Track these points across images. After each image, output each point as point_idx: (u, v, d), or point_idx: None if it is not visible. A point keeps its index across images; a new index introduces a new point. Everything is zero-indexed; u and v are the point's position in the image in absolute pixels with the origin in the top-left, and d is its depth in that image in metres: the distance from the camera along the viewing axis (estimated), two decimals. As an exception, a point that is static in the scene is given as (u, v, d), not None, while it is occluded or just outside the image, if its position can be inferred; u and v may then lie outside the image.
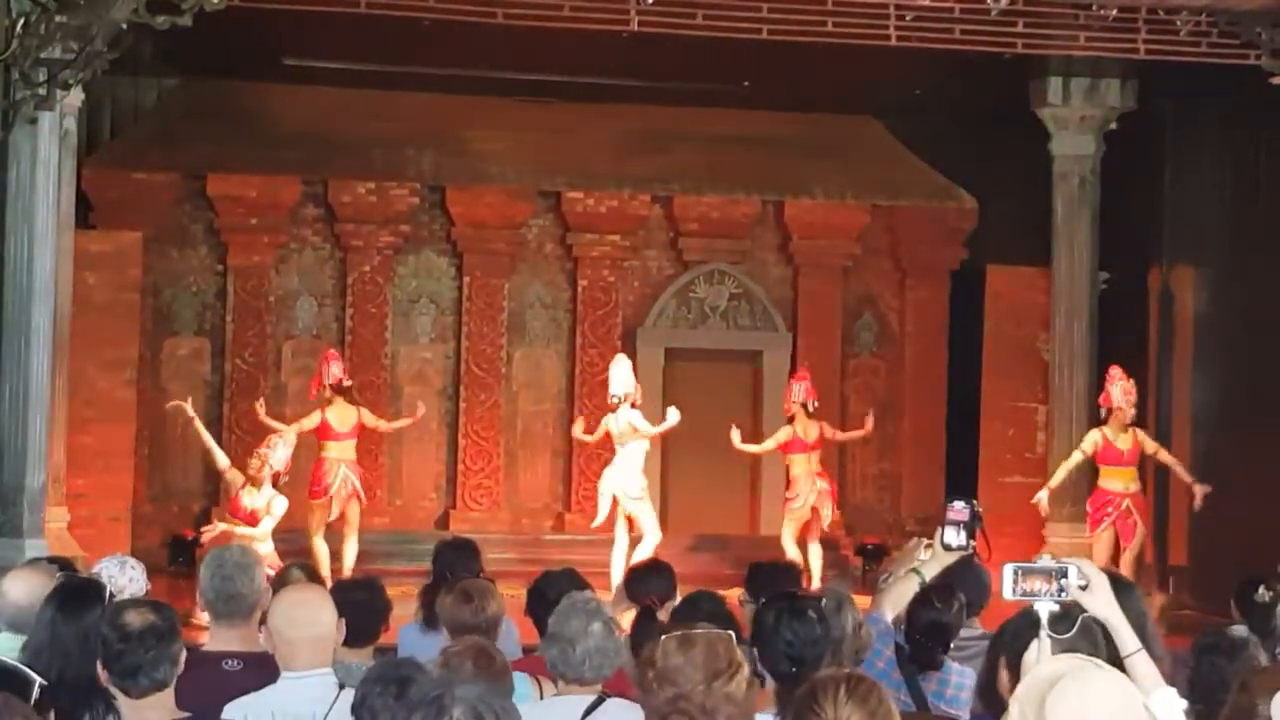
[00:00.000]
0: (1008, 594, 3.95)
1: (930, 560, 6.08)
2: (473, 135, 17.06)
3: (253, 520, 12.30)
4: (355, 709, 4.25)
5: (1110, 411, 13.87)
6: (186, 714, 4.42)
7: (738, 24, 12.87)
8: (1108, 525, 13.76)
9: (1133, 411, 13.84)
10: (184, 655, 4.52)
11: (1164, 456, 14.02)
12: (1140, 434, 13.87)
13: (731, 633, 3.87)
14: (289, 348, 16.81)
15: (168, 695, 4.44)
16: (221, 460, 12.77)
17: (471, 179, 16.92)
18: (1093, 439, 13.91)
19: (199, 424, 12.86)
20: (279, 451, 12.55)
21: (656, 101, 16.92)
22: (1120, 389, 13.82)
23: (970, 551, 6.03)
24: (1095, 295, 16.00)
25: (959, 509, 5.84)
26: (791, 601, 5.17)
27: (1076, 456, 14.03)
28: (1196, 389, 15.57)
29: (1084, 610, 4.01)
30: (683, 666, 3.68)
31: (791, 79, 15.48)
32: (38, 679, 4.09)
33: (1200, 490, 13.71)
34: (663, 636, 3.80)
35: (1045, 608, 3.94)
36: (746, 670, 3.74)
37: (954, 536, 5.83)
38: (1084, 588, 3.99)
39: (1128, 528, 13.77)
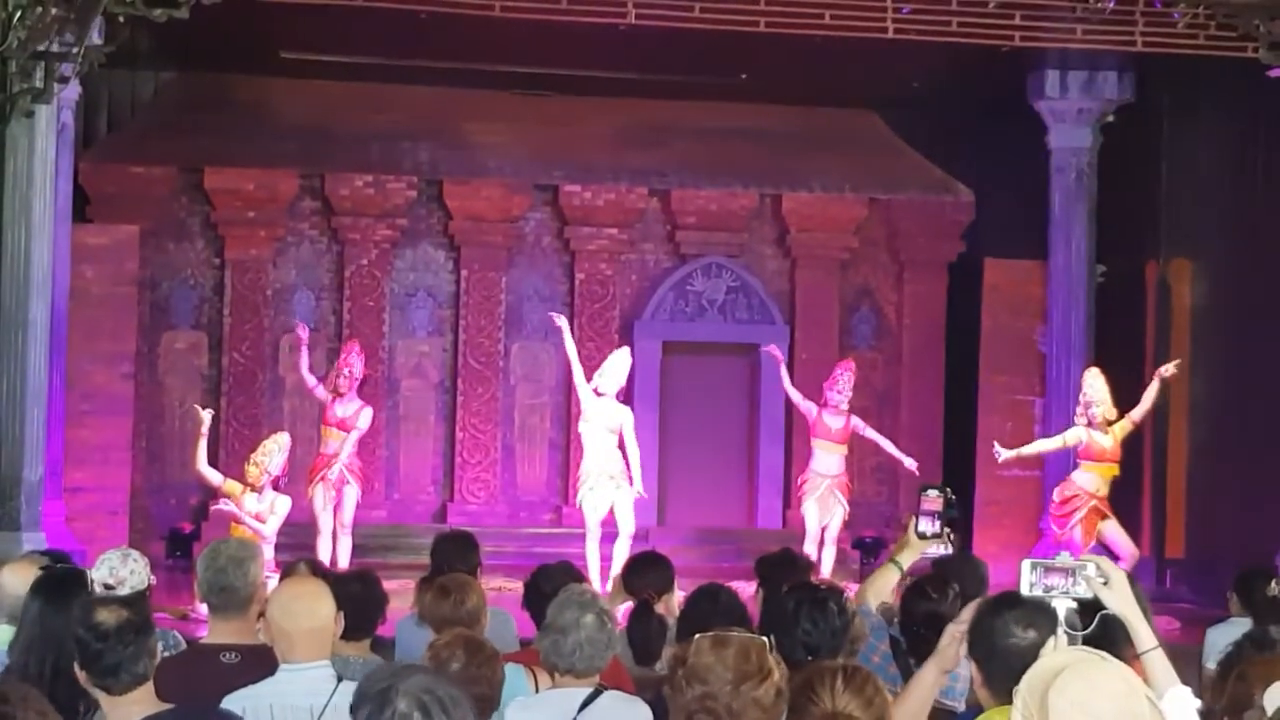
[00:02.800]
0: (1025, 590, 3.97)
1: (905, 550, 6.15)
2: (470, 128, 17.05)
3: (259, 520, 12.33)
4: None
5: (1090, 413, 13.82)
6: (169, 705, 4.42)
7: (735, 17, 12.89)
8: (1076, 524, 13.69)
9: (1095, 411, 13.67)
10: (160, 648, 4.53)
11: (1137, 413, 13.81)
12: (1117, 428, 13.78)
13: (766, 639, 3.87)
14: (286, 341, 16.79)
15: (148, 689, 4.45)
16: (214, 478, 12.72)
17: (469, 172, 16.91)
18: (1076, 434, 13.82)
19: (203, 443, 12.77)
20: (275, 458, 12.57)
21: (654, 95, 16.92)
22: (1086, 391, 13.74)
23: (943, 539, 6.11)
24: (1092, 288, 16.01)
25: (932, 498, 5.97)
26: (814, 591, 5.19)
27: (1055, 441, 13.93)
28: (1193, 381, 15.57)
29: (1104, 608, 4.02)
30: (713, 666, 3.69)
31: (789, 72, 15.48)
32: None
33: (1170, 366, 13.64)
34: (697, 635, 3.80)
35: (1063, 604, 3.95)
36: (777, 677, 3.74)
37: (927, 525, 5.94)
38: (1104, 584, 4.00)
39: (1089, 527, 13.68)
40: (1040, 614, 4.16)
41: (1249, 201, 14.77)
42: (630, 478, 13.95)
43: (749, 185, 17.29)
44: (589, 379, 13.87)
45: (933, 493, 6.01)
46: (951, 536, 6.18)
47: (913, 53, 13.83)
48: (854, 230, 17.47)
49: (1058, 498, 13.96)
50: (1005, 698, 4.09)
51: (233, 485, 12.54)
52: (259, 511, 12.35)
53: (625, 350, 14.43)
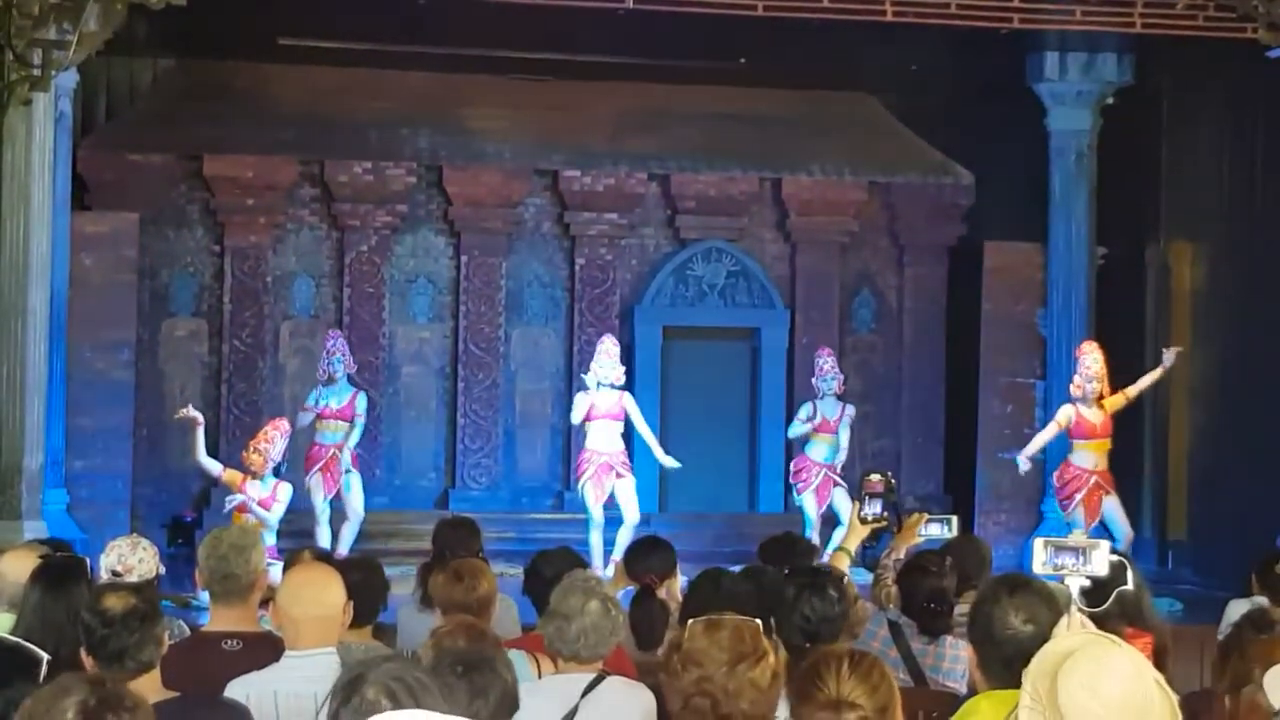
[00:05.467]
0: (1038, 568, 3.97)
1: (852, 534, 6.20)
2: (469, 114, 17.03)
3: (264, 507, 12.34)
4: None
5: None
6: (175, 694, 4.41)
7: (734, 0, 12.86)
8: (1079, 503, 13.72)
9: (1091, 386, 13.72)
10: (168, 636, 4.51)
11: (1134, 390, 13.88)
12: (1108, 403, 13.81)
13: (759, 621, 3.87)
14: (287, 328, 16.79)
15: (154, 677, 4.43)
16: (214, 469, 12.73)
17: (468, 158, 16.88)
18: (1066, 413, 13.87)
19: (200, 435, 12.74)
20: (278, 445, 12.60)
21: (653, 79, 16.89)
22: (1081, 364, 13.79)
23: (884, 522, 6.19)
24: (1093, 271, 16.00)
25: (875, 482, 6.06)
26: (814, 576, 5.19)
27: (1050, 429, 14.00)
28: (1194, 363, 15.55)
29: (1120, 585, 4.02)
30: (708, 649, 3.70)
31: (788, 56, 15.45)
32: (44, 655, 4.08)
33: (1172, 351, 13.76)
34: (690, 620, 3.81)
35: (1075, 582, 3.95)
36: (772, 659, 3.75)
37: (870, 508, 6.01)
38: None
39: (1093, 505, 13.72)
40: (1041, 605, 4.17)
41: (1249, 183, 14.75)
42: (629, 466, 14.08)
43: (748, 169, 17.27)
44: (586, 367, 14.02)
45: (875, 477, 6.09)
46: (893, 520, 6.24)
47: (911, 35, 13.81)
48: (854, 214, 17.45)
49: (1057, 482, 13.99)
50: (999, 682, 4.11)
51: (233, 474, 12.54)
52: (263, 498, 12.37)
53: (607, 337, 14.49)
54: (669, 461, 14.30)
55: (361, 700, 2.98)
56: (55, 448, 13.43)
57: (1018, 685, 4.03)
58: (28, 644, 3.92)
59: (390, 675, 3.00)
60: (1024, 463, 14.01)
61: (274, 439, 12.61)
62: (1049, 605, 4.23)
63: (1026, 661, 4.10)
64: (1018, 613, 4.14)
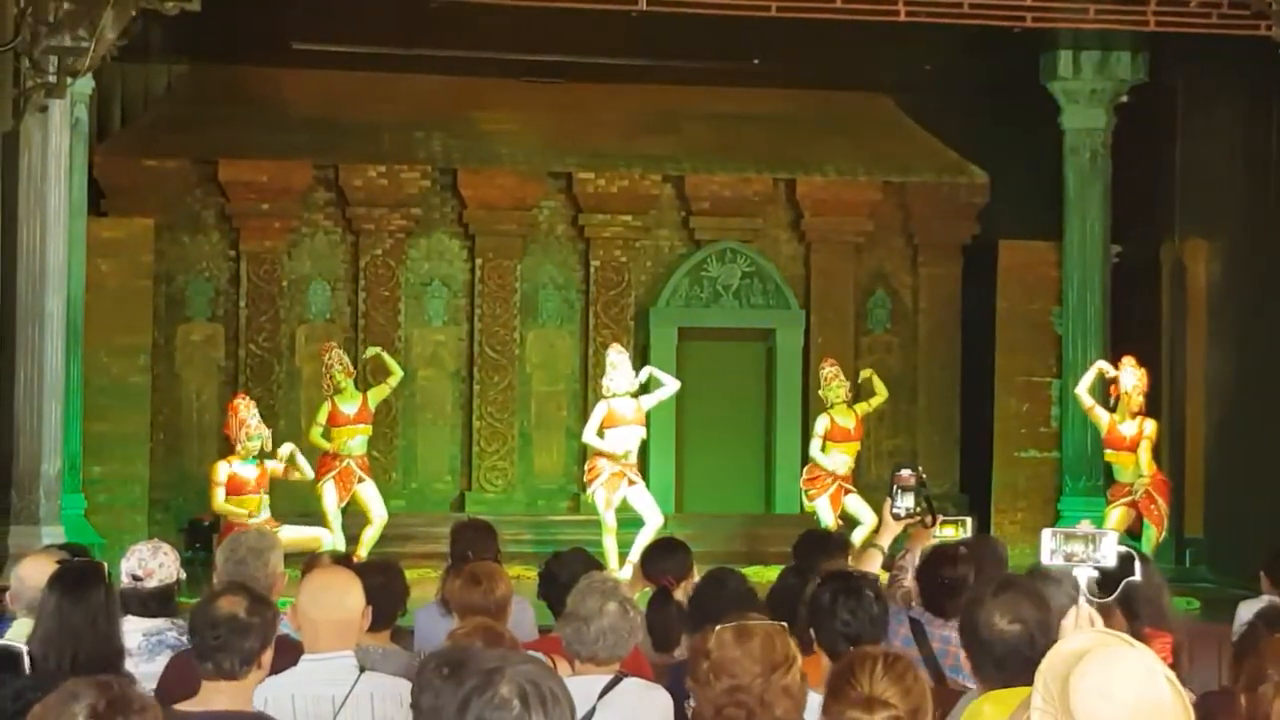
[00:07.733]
0: (1045, 559, 3.96)
1: (885, 531, 6.18)
2: (483, 117, 17.05)
3: (254, 488, 12.59)
4: (414, 690, 4.16)
5: (1118, 398, 13.83)
6: (256, 712, 4.40)
7: (747, 1, 12.86)
8: (1121, 504, 13.75)
9: (1140, 400, 13.75)
10: (267, 654, 4.49)
11: (1148, 460, 13.92)
12: (1145, 424, 13.79)
13: (785, 624, 3.87)
14: (302, 332, 16.81)
15: (239, 688, 4.41)
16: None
17: (482, 161, 16.90)
18: (1107, 417, 13.87)
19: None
20: (257, 417, 12.81)
21: (667, 80, 16.89)
22: (1132, 376, 13.76)
23: (917, 517, 6.15)
24: (1107, 269, 15.98)
25: (906, 476, 6.02)
26: (848, 581, 5.18)
27: (1088, 399, 13.92)
28: (1210, 361, 15.54)
29: (1128, 575, 4.01)
30: (740, 659, 3.68)
31: (801, 56, 15.45)
32: (22, 648, 4.09)
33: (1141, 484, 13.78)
34: (717, 627, 3.79)
35: (1084, 572, 3.95)
36: (800, 662, 3.75)
37: (903, 502, 5.98)
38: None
39: (1152, 514, 13.75)
40: (1027, 604, 4.18)
41: (1264, 180, 14.73)
42: (639, 473, 14.04)
43: (763, 170, 17.27)
44: (601, 370, 13.96)
45: (906, 471, 6.06)
46: (928, 516, 6.21)
47: (925, 35, 13.80)
48: (868, 214, 17.45)
49: (1110, 497, 14.03)
50: (994, 683, 4.12)
51: (235, 505, 12.71)
52: (257, 476, 12.57)
53: (614, 347, 14.43)
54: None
55: (495, 694, 3.00)
56: (72, 453, 13.46)
57: (1012, 685, 4.04)
58: (6, 641, 3.95)
59: (526, 677, 3.02)
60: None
61: (259, 418, 12.84)
62: (1036, 604, 4.22)
63: (1017, 660, 4.10)
64: (1003, 613, 4.16)
